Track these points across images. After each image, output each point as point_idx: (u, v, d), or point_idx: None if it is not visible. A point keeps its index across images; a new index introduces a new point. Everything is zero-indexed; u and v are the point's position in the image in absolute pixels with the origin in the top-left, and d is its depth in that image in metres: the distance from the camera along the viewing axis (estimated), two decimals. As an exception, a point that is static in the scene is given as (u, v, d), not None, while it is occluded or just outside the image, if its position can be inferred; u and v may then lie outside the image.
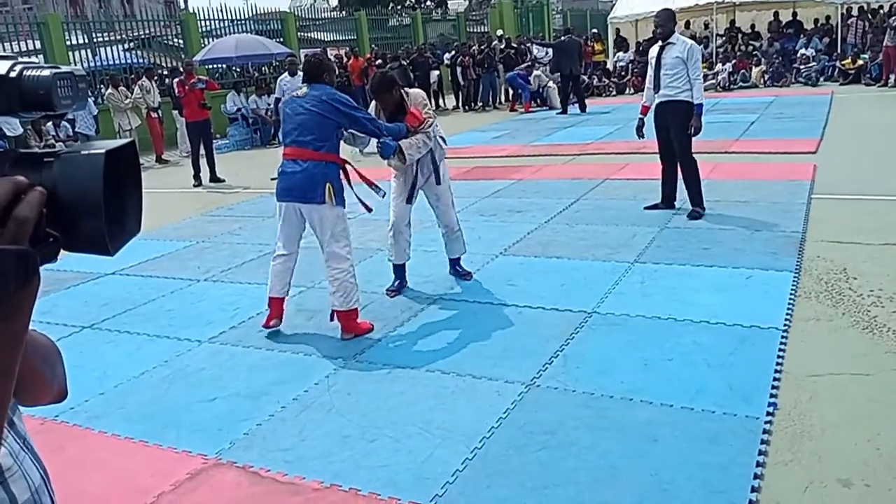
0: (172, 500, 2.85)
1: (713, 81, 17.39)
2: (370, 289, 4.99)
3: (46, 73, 0.71)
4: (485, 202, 7.67)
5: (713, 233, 5.86)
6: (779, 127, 11.15)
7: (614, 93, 19.20)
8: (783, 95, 15.34)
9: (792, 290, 4.49)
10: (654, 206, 6.69)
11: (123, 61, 15.90)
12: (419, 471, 2.89)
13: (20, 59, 0.72)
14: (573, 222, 6.56)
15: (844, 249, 5.18)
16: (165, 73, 16.64)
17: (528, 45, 19.11)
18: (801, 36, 18.97)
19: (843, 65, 16.87)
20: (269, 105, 14.54)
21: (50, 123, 11.87)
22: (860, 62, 16.55)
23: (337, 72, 16.41)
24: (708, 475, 2.70)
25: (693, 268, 5.07)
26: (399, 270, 5.03)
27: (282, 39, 18.48)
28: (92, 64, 15.38)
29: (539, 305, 4.58)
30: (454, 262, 5.24)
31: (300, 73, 4.03)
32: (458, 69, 18.31)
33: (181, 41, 17.15)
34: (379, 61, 17.03)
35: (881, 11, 17.95)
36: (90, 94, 13.30)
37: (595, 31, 23.03)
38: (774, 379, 3.39)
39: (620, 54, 20.93)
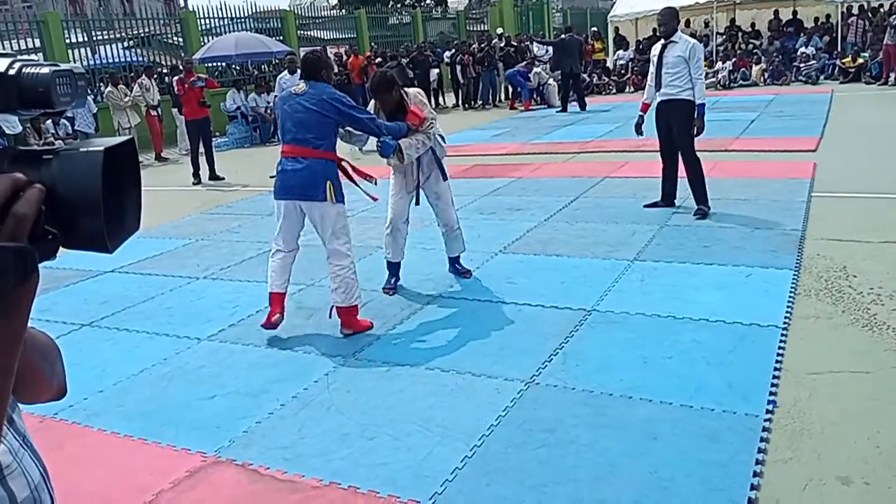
0: (172, 498, 2.85)
1: (713, 80, 17.39)
2: (370, 287, 4.98)
3: (45, 70, 0.71)
4: (484, 200, 7.66)
5: (713, 231, 5.86)
6: (779, 125, 11.14)
7: (614, 91, 19.21)
8: (783, 94, 15.34)
9: (792, 287, 4.49)
10: (654, 204, 6.69)
11: (123, 59, 15.89)
12: (418, 469, 2.89)
13: (19, 57, 0.72)
14: (573, 220, 6.56)
15: (844, 247, 5.18)
16: (165, 71, 16.63)
17: (527, 43, 19.09)
18: (802, 34, 18.96)
19: (844, 63, 16.87)
20: (268, 103, 14.55)
21: (49, 121, 11.86)
22: (860, 60, 16.54)
23: (336, 69, 16.43)
24: (707, 473, 2.70)
25: (693, 266, 5.07)
26: (395, 268, 5.03)
27: (281, 38, 18.47)
28: (91, 62, 15.36)
29: (538, 303, 4.58)
30: (454, 261, 5.24)
31: (300, 71, 4.03)
32: (458, 67, 18.29)
33: (181, 39, 17.14)
34: (378, 60, 17.02)
35: (881, 10, 17.96)
36: (89, 91, 13.29)
37: (595, 29, 23.01)
38: (774, 377, 3.39)
39: (620, 52, 20.94)
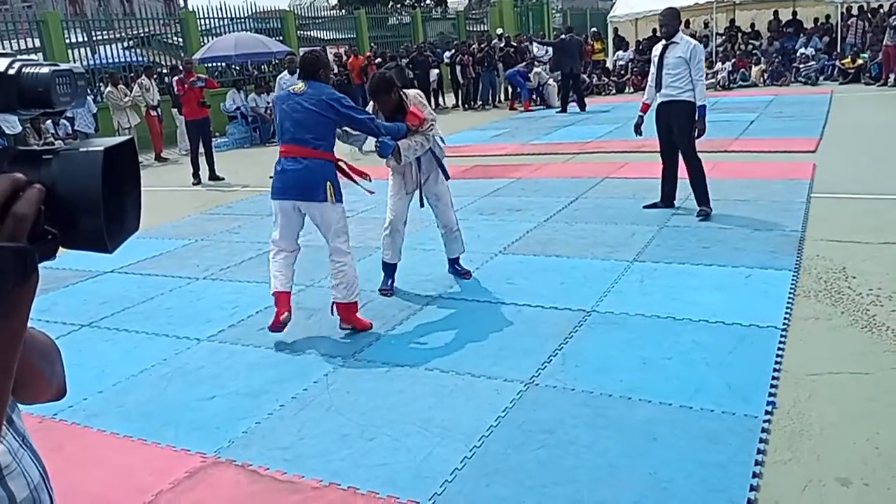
0: (171, 499, 2.85)
1: (713, 80, 17.39)
2: (370, 287, 4.98)
3: (45, 70, 0.71)
4: (484, 201, 7.66)
5: (712, 231, 5.86)
6: (778, 126, 11.15)
7: (614, 91, 19.21)
8: (783, 94, 15.34)
9: (791, 288, 4.49)
10: (654, 205, 6.69)
11: (123, 59, 15.88)
12: (418, 469, 2.89)
13: (19, 57, 0.72)
14: (572, 221, 6.56)
15: (844, 248, 5.18)
16: (165, 71, 16.63)
17: (527, 43, 19.10)
18: (801, 35, 18.98)
19: (843, 64, 16.87)
20: (268, 103, 14.53)
21: (49, 121, 11.87)
22: (860, 61, 16.55)
23: (336, 69, 16.44)
24: (707, 474, 2.70)
25: (692, 266, 5.07)
26: (391, 269, 5.03)
27: (281, 38, 18.48)
28: (91, 62, 15.37)
29: (538, 304, 4.58)
30: (453, 262, 5.24)
31: (298, 71, 4.03)
32: (458, 68, 18.30)
33: (180, 39, 17.15)
34: (378, 60, 17.02)
35: (881, 11, 17.96)
36: (89, 91, 13.29)
37: (595, 29, 23.02)
38: (773, 378, 3.39)
39: (620, 53, 20.95)
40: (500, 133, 13.19)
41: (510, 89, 17.89)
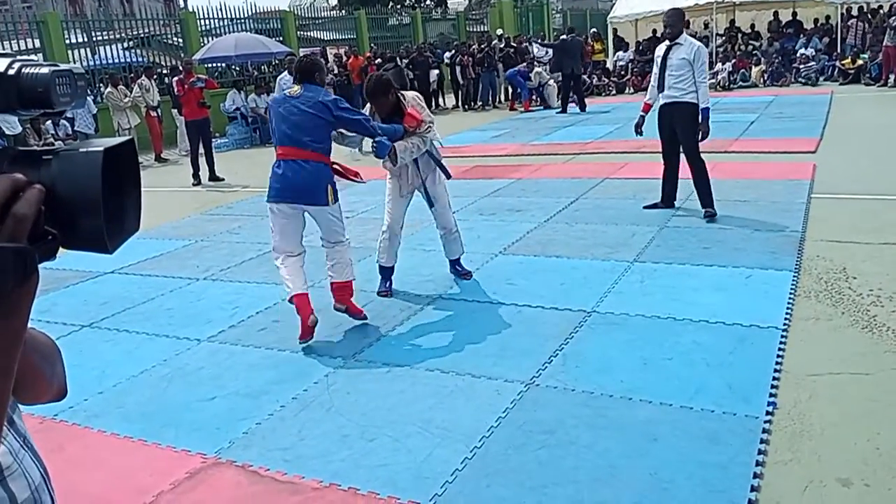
0: (171, 499, 2.85)
1: (713, 81, 17.38)
2: (370, 288, 4.98)
3: (45, 70, 0.71)
4: (484, 201, 7.66)
5: (713, 232, 5.86)
6: (778, 126, 11.15)
7: (614, 92, 19.21)
8: (783, 95, 15.34)
9: (791, 289, 4.49)
10: (654, 206, 6.68)
11: (123, 60, 15.89)
12: (418, 470, 2.89)
13: (19, 57, 0.72)
14: (572, 221, 6.56)
15: (844, 249, 5.18)
16: (165, 71, 16.63)
17: (527, 44, 19.10)
18: (801, 36, 18.99)
19: (843, 64, 16.88)
20: (268, 104, 14.53)
21: (49, 122, 11.87)
22: (860, 62, 16.55)
23: (336, 70, 16.43)
24: (707, 474, 2.70)
25: (693, 267, 5.07)
26: (388, 272, 5.02)
27: (281, 38, 18.48)
28: (91, 62, 15.37)
29: (538, 304, 4.58)
30: (454, 262, 5.24)
31: (295, 75, 4.06)
32: (458, 68, 18.30)
33: (180, 40, 17.15)
34: (378, 60, 17.03)
35: (881, 11, 17.96)
36: (89, 92, 13.29)
37: (594, 30, 23.03)
38: (774, 378, 3.39)
39: (620, 54, 20.95)
40: (500, 133, 13.19)
41: (510, 90, 17.90)
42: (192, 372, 4.04)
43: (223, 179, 10.61)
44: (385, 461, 2.97)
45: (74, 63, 12.80)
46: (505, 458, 2.92)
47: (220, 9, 17.87)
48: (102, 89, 13.86)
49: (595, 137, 11.56)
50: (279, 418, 3.42)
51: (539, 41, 19.72)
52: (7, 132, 10.24)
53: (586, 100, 15.76)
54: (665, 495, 2.61)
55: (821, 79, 17.33)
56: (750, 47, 19.41)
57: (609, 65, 20.92)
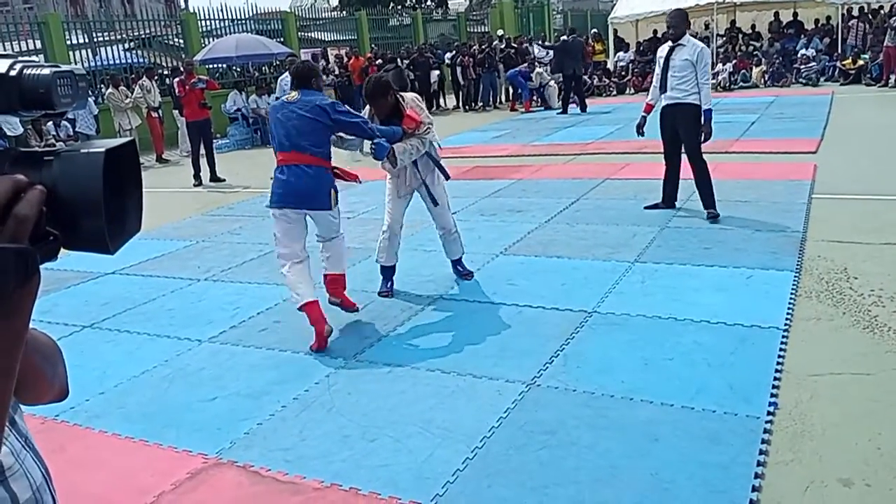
0: (173, 500, 2.85)
1: (714, 81, 17.37)
2: (371, 288, 4.99)
3: (46, 71, 0.71)
4: (485, 202, 7.66)
5: (714, 232, 5.86)
6: (779, 127, 11.15)
7: (615, 93, 19.20)
8: (784, 95, 15.34)
9: (792, 289, 4.49)
10: (655, 206, 6.68)
11: (124, 61, 15.90)
12: (419, 470, 2.89)
13: (20, 58, 0.72)
14: (573, 222, 6.56)
15: (845, 249, 5.18)
16: (166, 72, 16.65)
17: (528, 45, 19.10)
18: (802, 36, 18.98)
19: (844, 65, 16.87)
20: (269, 105, 14.54)
21: (50, 123, 11.88)
22: (860, 62, 16.55)
23: (337, 71, 16.44)
24: (708, 475, 2.70)
25: (693, 267, 5.07)
26: (389, 272, 5.03)
27: (282, 39, 18.49)
28: (92, 63, 15.39)
29: (539, 305, 4.58)
30: (455, 263, 5.24)
31: (292, 81, 4.07)
32: (459, 69, 18.31)
33: (181, 41, 17.16)
34: (379, 61, 17.04)
35: (882, 12, 17.96)
36: (90, 93, 13.25)
37: (595, 31, 23.04)
38: (775, 378, 3.39)
39: (621, 54, 20.95)
40: (500, 134, 13.20)
41: (511, 90, 17.90)
42: (194, 372, 4.05)
43: (224, 180, 10.62)
44: (386, 461, 2.97)
45: (76, 64, 12.81)
46: (506, 458, 2.93)
47: (221, 10, 17.90)
48: (104, 90, 13.87)
49: (596, 138, 11.56)
50: (280, 419, 3.42)
51: (540, 42, 19.72)
52: (8, 133, 10.25)
53: (587, 100, 15.76)
54: (666, 495, 2.61)
55: (821, 79, 17.33)
56: (751, 48, 19.40)
57: (610, 65, 20.92)
